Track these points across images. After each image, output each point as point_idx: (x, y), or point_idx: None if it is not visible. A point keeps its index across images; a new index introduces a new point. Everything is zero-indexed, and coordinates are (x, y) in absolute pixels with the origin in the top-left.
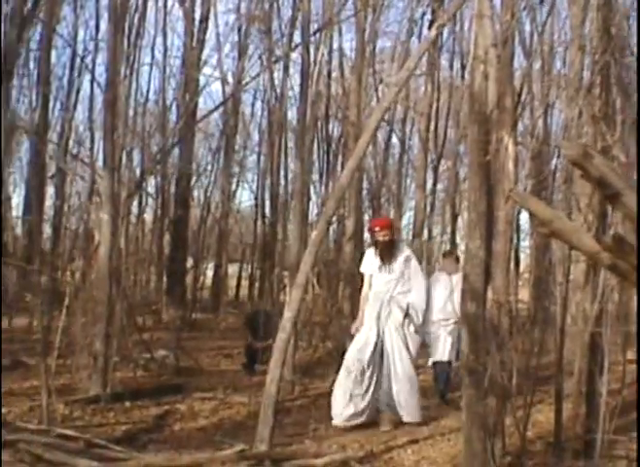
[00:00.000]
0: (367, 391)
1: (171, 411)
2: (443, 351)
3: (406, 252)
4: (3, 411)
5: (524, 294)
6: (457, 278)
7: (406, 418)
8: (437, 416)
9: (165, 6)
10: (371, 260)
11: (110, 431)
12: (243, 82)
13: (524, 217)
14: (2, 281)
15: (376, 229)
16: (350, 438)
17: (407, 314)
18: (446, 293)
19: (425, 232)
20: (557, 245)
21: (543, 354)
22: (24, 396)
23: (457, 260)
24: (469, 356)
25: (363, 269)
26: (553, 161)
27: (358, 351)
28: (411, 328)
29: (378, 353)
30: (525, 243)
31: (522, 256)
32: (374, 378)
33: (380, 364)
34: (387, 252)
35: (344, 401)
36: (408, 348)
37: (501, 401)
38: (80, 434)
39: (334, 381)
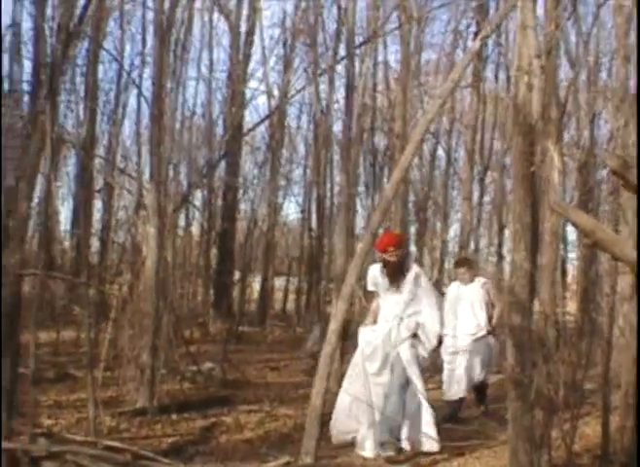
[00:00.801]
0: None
1: (217, 423)
2: (458, 389)
3: (415, 269)
4: (49, 422)
5: (572, 306)
6: (476, 288)
7: (426, 447)
8: (483, 429)
9: (211, 20)
10: (377, 277)
11: (157, 443)
12: (289, 95)
13: (572, 228)
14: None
15: (390, 249)
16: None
17: (414, 335)
18: (469, 307)
19: (471, 244)
20: (605, 257)
21: (590, 366)
22: (72, 408)
23: (471, 267)
24: (514, 368)
25: (371, 287)
26: (601, 173)
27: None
28: (421, 351)
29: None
30: (573, 255)
31: (570, 267)
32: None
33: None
34: (397, 273)
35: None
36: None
37: (547, 413)
38: (126, 446)
39: None
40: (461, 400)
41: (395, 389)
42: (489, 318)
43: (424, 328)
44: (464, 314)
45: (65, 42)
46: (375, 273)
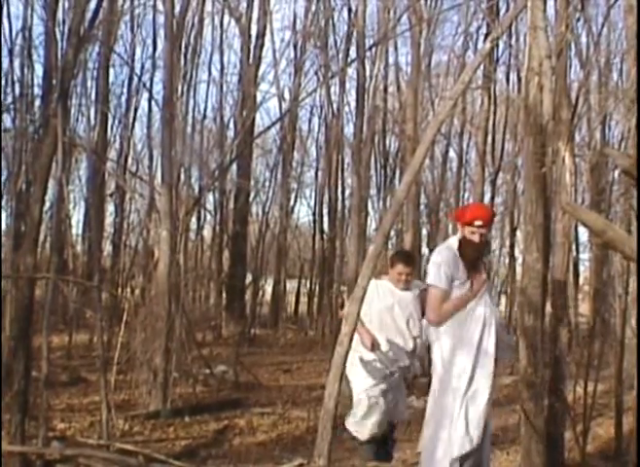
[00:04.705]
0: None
1: (230, 426)
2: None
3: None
4: (62, 426)
5: (585, 307)
6: (412, 297)
7: None
8: (496, 431)
9: (222, 23)
10: (454, 267)
11: (170, 446)
12: (300, 98)
13: (584, 230)
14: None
15: (478, 224)
16: (410, 452)
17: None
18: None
19: None
20: (617, 257)
21: (602, 367)
22: (85, 411)
23: (414, 267)
24: (527, 369)
25: (444, 282)
26: (613, 174)
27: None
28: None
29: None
30: (585, 256)
31: (582, 269)
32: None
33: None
34: (479, 259)
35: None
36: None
37: (560, 414)
38: (139, 449)
39: None
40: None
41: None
42: None
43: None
44: (405, 338)
45: (76, 46)
46: (451, 260)
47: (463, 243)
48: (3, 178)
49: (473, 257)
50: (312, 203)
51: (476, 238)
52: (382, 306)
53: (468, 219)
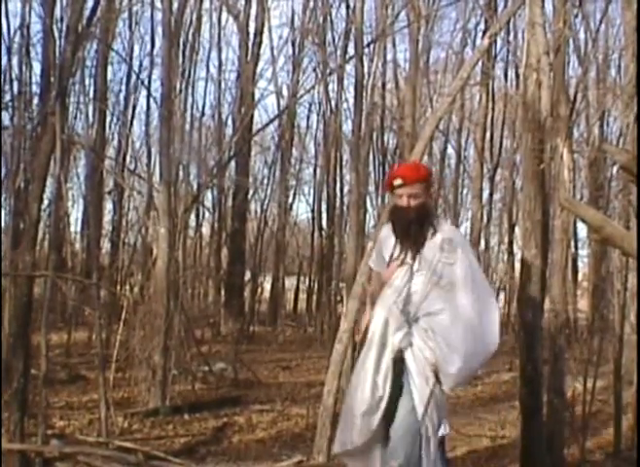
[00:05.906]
0: None
1: (230, 423)
2: None
3: (446, 232)
4: (62, 423)
5: (584, 303)
6: None
7: None
8: (495, 426)
9: (220, 20)
10: (385, 244)
11: (169, 443)
12: (298, 95)
13: (582, 225)
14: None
15: (397, 183)
16: None
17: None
18: None
19: (482, 242)
20: (616, 253)
21: (601, 363)
22: (84, 409)
23: None
24: (526, 366)
25: (374, 261)
26: (611, 170)
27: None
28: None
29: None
30: (584, 252)
31: (581, 265)
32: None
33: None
34: (415, 228)
35: None
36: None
37: (560, 411)
38: (139, 446)
39: None
40: None
41: (400, 424)
42: None
43: (441, 353)
44: None
45: (74, 43)
46: (386, 236)
47: (395, 213)
48: (1, 176)
49: (401, 227)
50: (311, 200)
51: (401, 202)
52: None
53: (388, 183)
